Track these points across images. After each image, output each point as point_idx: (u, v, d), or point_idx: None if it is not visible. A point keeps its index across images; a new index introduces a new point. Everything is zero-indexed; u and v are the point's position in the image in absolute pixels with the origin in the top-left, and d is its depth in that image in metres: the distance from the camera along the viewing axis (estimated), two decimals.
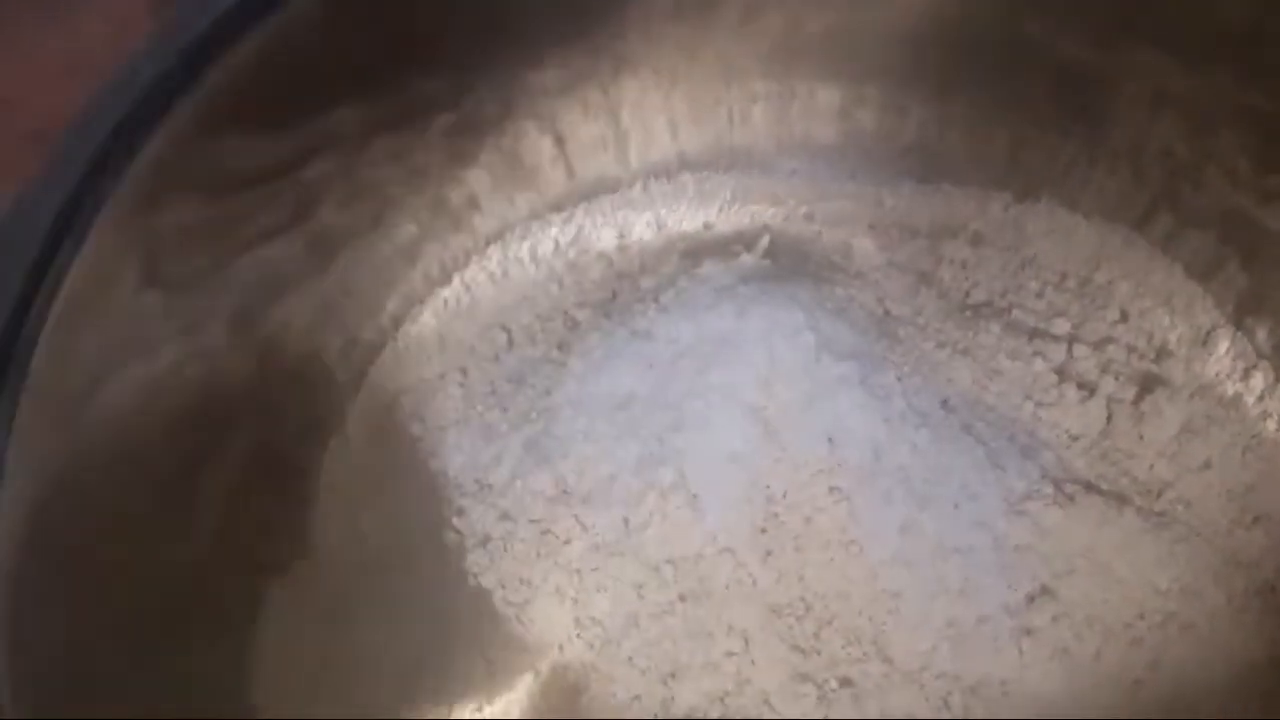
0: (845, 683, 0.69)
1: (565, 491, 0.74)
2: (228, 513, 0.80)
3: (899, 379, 0.77)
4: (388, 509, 0.83)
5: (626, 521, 0.72)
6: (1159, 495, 0.81)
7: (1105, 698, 0.72)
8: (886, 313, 0.82)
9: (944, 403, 0.78)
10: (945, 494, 0.74)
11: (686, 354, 0.76)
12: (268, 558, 0.84)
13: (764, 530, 0.71)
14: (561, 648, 0.72)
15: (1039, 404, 0.83)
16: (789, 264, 0.83)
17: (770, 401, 0.74)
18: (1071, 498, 0.77)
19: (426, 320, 0.92)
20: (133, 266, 0.67)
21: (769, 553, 0.70)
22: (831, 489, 0.72)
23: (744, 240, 0.90)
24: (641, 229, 0.98)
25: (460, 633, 0.73)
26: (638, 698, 0.69)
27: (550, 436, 0.76)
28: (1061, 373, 0.85)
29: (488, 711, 0.72)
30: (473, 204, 0.96)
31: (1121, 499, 0.79)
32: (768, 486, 0.72)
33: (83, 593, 0.66)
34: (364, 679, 0.76)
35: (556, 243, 0.96)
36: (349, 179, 0.83)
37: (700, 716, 0.68)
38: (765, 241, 0.85)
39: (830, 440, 0.73)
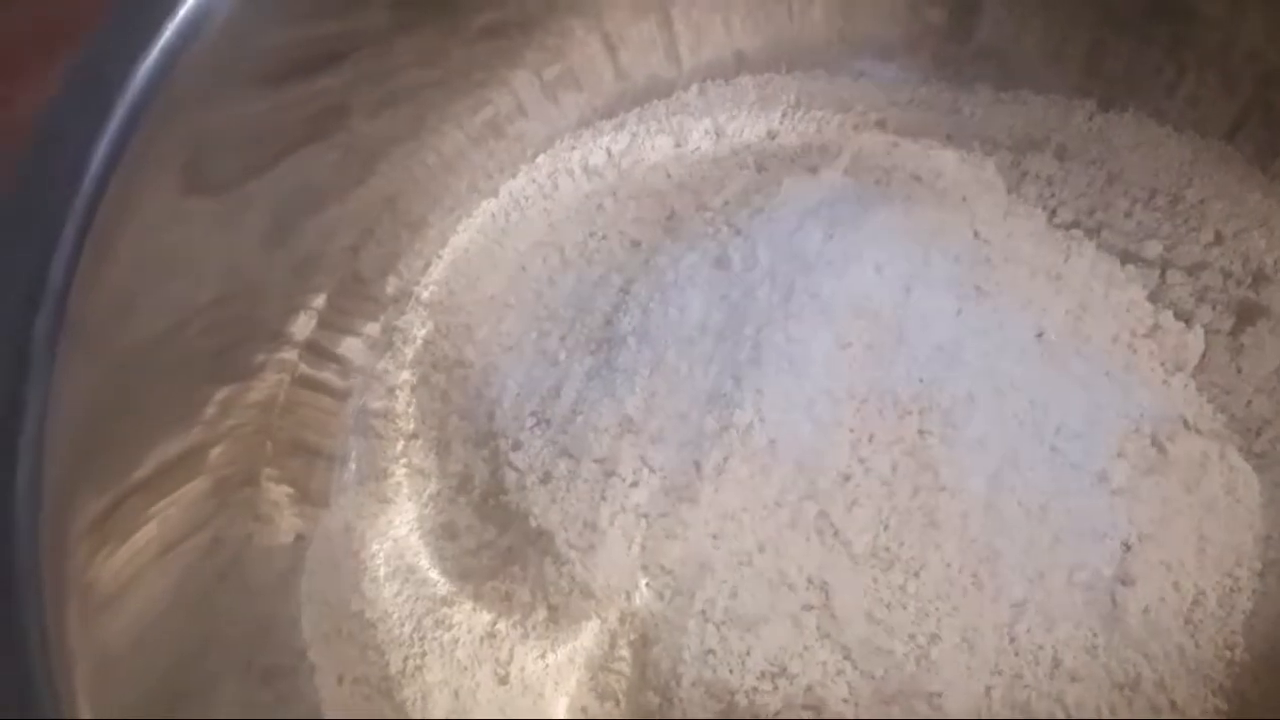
0: (934, 639, 0.63)
1: (632, 429, 0.67)
2: (259, 434, 0.75)
3: (994, 310, 0.69)
4: (438, 439, 0.77)
5: (698, 465, 0.65)
6: (1258, 434, 0.75)
7: (1197, 659, 0.65)
8: (976, 235, 0.74)
9: (1040, 335, 0.71)
10: (1043, 437, 0.67)
11: (764, 282, 0.68)
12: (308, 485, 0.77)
13: (848, 477, 0.65)
14: (629, 596, 0.66)
15: (1134, 334, 0.76)
16: (872, 183, 0.75)
17: (858, 336, 0.66)
18: (1171, 438, 0.70)
19: (474, 237, 0.85)
20: (170, 173, 0.62)
21: (854, 501, 0.64)
22: (922, 432, 0.66)
23: (815, 153, 0.81)
24: (699, 137, 0.89)
25: (522, 575, 0.67)
26: (711, 651, 0.63)
27: (614, 369, 0.69)
28: (1156, 299, 0.78)
29: (551, 659, 0.67)
30: (518, 109, 0.88)
31: (1220, 439, 0.72)
32: (852, 430, 0.66)
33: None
34: None
35: (609, 152, 0.88)
36: (380, 84, 0.76)
37: (778, 671, 0.62)
38: (846, 157, 0.76)
39: (921, 380, 0.66)
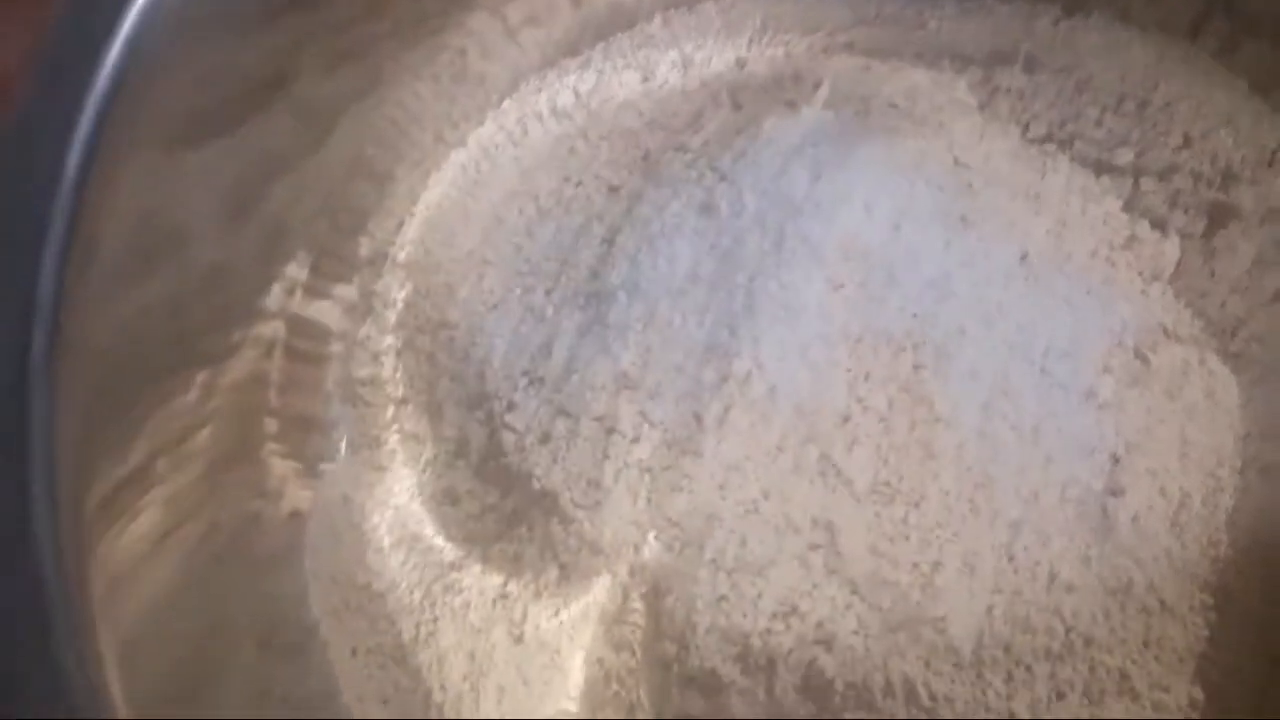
0: (936, 566, 0.64)
1: (629, 385, 0.66)
2: (245, 412, 0.73)
3: (979, 239, 0.69)
4: (429, 403, 0.76)
5: (699, 418, 0.65)
6: (1233, 335, 0.76)
7: (1184, 559, 0.68)
8: (956, 160, 0.73)
9: (1023, 258, 0.71)
10: (1031, 360, 0.67)
11: (754, 228, 0.67)
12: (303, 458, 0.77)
13: (847, 418, 0.65)
14: (638, 549, 0.67)
15: (1112, 247, 0.76)
16: (852, 115, 0.74)
17: (850, 277, 0.66)
18: (1153, 349, 0.71)
19: (446, 191, 0.83)
20: (140, 157, 0.60)
21: (853, 441, 0.64)
22: (916, 367, 0.66)
23: (790, 84, 0.79)
24: (667, 70, 0.87)
25: (529, 536, 0.67)
26: (724, 598, 0.64)
27: (605, 325, 0.68)
28: (1131, 208, 0.78)
29: (564, 615, 0.68)
30: (479, 53, 0.85)
31: (1199, 344, 0.73)
32: (849, 370, 0.66)
33: None
34: None
35: (576, 92, 0.86)
36: (327, 42, 0.72)
37: (789, 610, 0.63)
38: (825, 90, 0.75)
39: (914, 316, 0.66)
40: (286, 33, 0.70)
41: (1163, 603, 0.68)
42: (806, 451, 0.65)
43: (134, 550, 0.63)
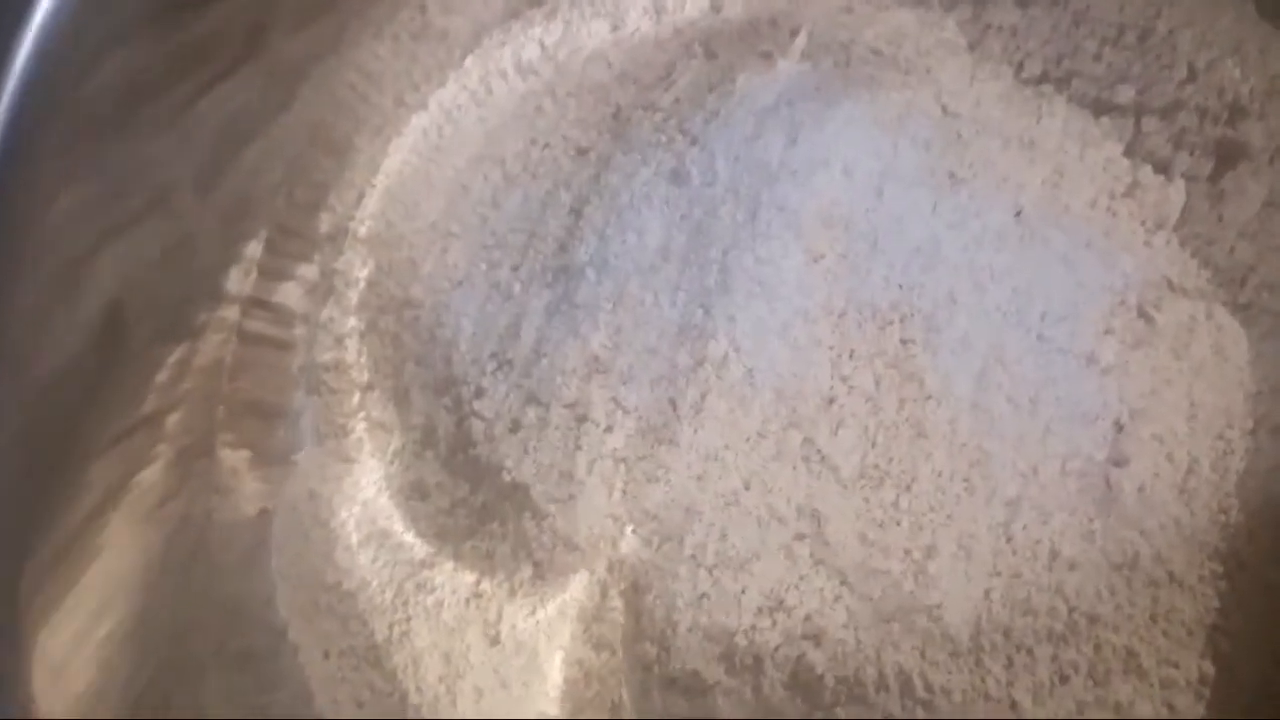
0: (929, 552, 0.60)
1: (600, 369, 0.62)
2: (210, 400, 0.69)
3: (970, 197, 0.64)
4: (395, 389, 0.72)
5: (674, 404, 0.60)
6: (1243, 284, 0.71)
7: (1193, 527, 0.64)
8: (944, 110, 0.68)
9: (1018, 214, 0.66)
10: (1028, 326, 0.63)
11: (726, 198, 0.62)
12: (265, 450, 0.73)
13: (831, 400, 0.61)
14: (615, 544, 0.63)
15: (1113, 195, 0.71)
16: (832, 66, 0.68)
17: (830, 248, 0.61)
18: (1157, 305, 0.67)
19: (407, 159, 0.77)
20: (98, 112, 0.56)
21: (839, 423, 0.60)
22: (904, 341, 0.61)
23: (767, 31, 0.73)
24: (638, 17, 0.81)
25: (502, 532, 0.64)
26: (705, 595, 0.60)
27: (574, 304, 0.64)
28: (1132, 152, 0.73)
29: (541, 615, 0.64)
30: (440, 6, 0.79)
31: (1206, 296, 0.69)
32: (832, 348, 0.61)
33: None
34: None
35: (542, 45, 0.80)
36: None
37: (775, 605, 0.59)
38: (801, 40, 0.69)
39: (900, 286, 0.61)
40: None
41: (1171, 574, 0.65)
42: (789, 437, 0.61)
43: (101, 546, 0.60)
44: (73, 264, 0.57)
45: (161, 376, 0.66)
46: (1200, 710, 0.62)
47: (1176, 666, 0.63)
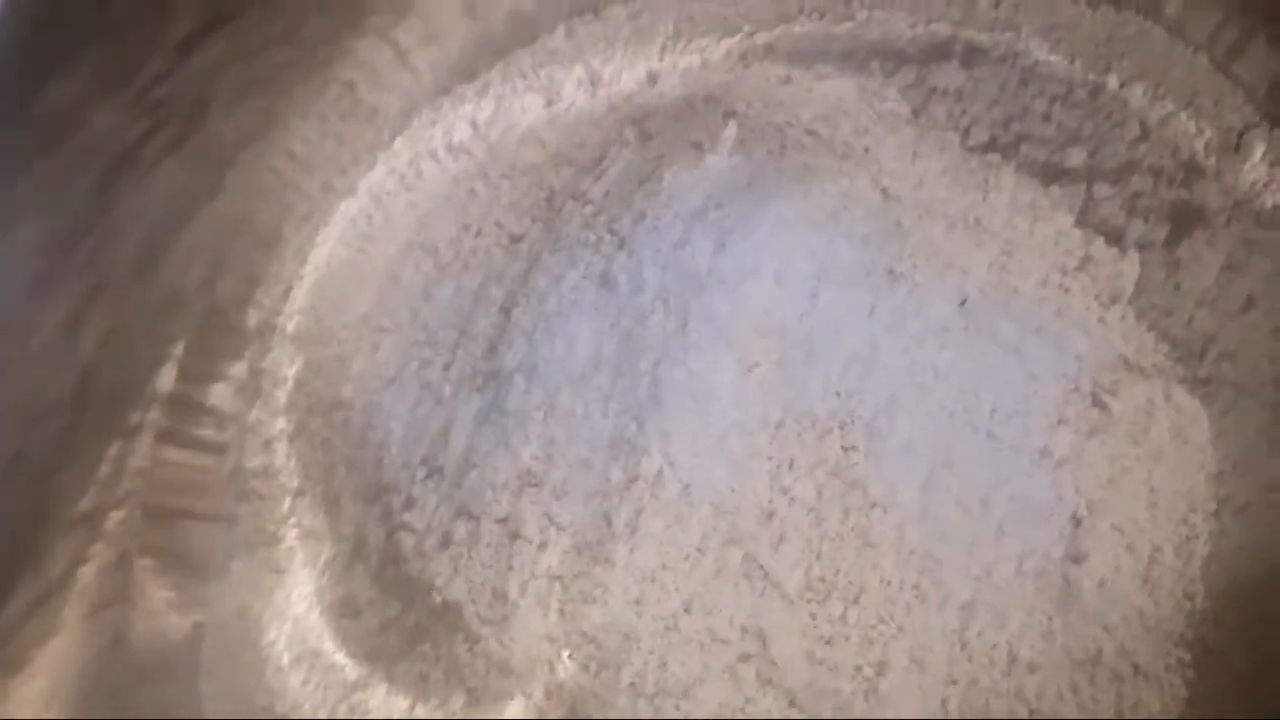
0: (881, 667, 0.57)
1: (532, 483, 0.59)
2: (145, 503, 0.67)
3: (910, 293, 0.61)
4: (326, 494, 0.69)
5: (609, 520, 0.58)
6: (1202, 356, 0.69)
7: (1157, 617, 0.61)
8: (885, 194, 0.65)
9: (963, 303, 0.63)
10: (975, 424, 0.60)
11: (656, 307, 0.59)
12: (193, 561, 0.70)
13: (771, 513, 0.58)
14: (551, 668, 0.60)
15: (1064, 271, 0.68)
16: (765, 156, 0.65)
17: (765, 357, 0.58)
18: (1112, 390, 0.64)
19: (335, 249, 0.74)
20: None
21: (780, 538, 0.57)
22: (845, 449, 0.59)
23: (701, 111, 0.70)
24: (572, 90, 0.78)
25: (434, 654, 0.61)
26: None
27: (504, 413, 0.61)
28: (1084, 222, 0.70)
29: None
30: (370, 82, 0.76)
31: (1164, 374, 0.66)
32: (770, 459, 0.58)
33: None
34: None
35: (474, 123, 0.77)
36: (243, 65, 0.66)
37: None
38: (732, 130, 0.66)
39: (839, 394, 0.58)
40: (212, 51, 0.63)
41: (1136, 667, 0.62)
42: (729, 553, 0.58)
43: (56, 636, 0.59)
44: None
45: (105, 471, 0.64)
46: None
47: None
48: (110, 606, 0.64)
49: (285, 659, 0.65)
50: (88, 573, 0.63)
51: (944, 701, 0.59)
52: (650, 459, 0.58)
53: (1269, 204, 0.72)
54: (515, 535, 0.59)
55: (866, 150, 0.67)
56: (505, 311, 0.64)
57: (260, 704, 0.64)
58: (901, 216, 0.64)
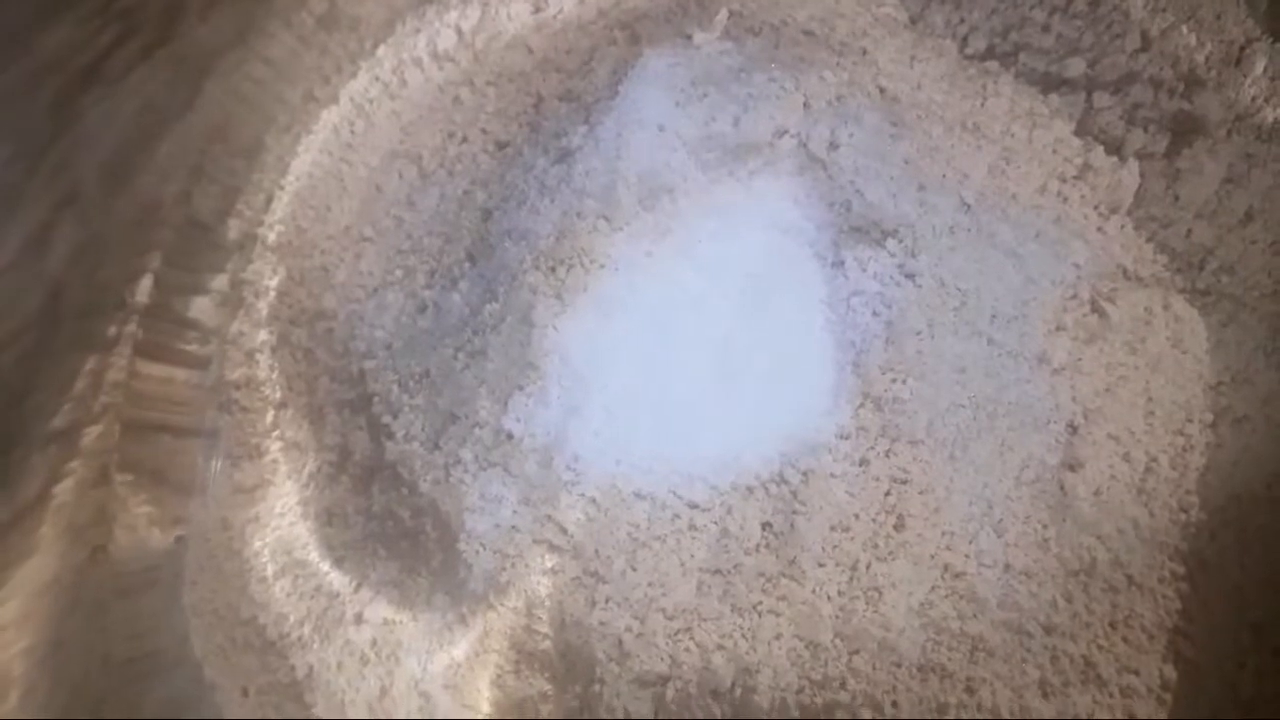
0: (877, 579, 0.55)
1: (518, 385, 0.56)
2: (122, 417, 0.64)
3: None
4: (309, 406, 0.66)
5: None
6: (1201, 267, 0.66)
7: (1152, 528, 0.59)
8: (883, 91, 0.61)
9: (963, 203, 0.60)
10: (976, 328, 0.57)
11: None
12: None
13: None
14: (538, 570, 0.57)
15: (1063, 179, 0.65)
16: (758, 49, 0.61)
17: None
18: (1111, 297, 0.61)
19: (317, 158, 0.70)
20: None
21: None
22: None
23: (693, 11, 0.66)
24: None
25: (421, 561, 0.58)
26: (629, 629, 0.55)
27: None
28: (1084, 131, 0.67)
29: (465, 646, 0.59)
30: None
31: (1163, 284, 0.63)
32: None
33: None
34: None
35: (459, 30, 0.73)
36: None
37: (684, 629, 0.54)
38: (723, 16, 0.62)
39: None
40: None
41: (1130, 578, 0.60)
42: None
43: (32, 555, 0.57)
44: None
45: (80, 386, 0.61)
46: (1162, 715, 0.58)
47: (1137, 673, 0.59)
48: (89, 524, 0.61)
49: (269, 570, 0.63)
50: (65, 490, 0.60)
51: (937, 608, 0.57)
52: None
53: (1270, 118, 0.69)
54: (502, 438, 0.56)
55: (864, 51, 0.64)
56: (486, 214, 0.61)
57: (244, 615, 0.62)
58: (903, 114, 0.60)
